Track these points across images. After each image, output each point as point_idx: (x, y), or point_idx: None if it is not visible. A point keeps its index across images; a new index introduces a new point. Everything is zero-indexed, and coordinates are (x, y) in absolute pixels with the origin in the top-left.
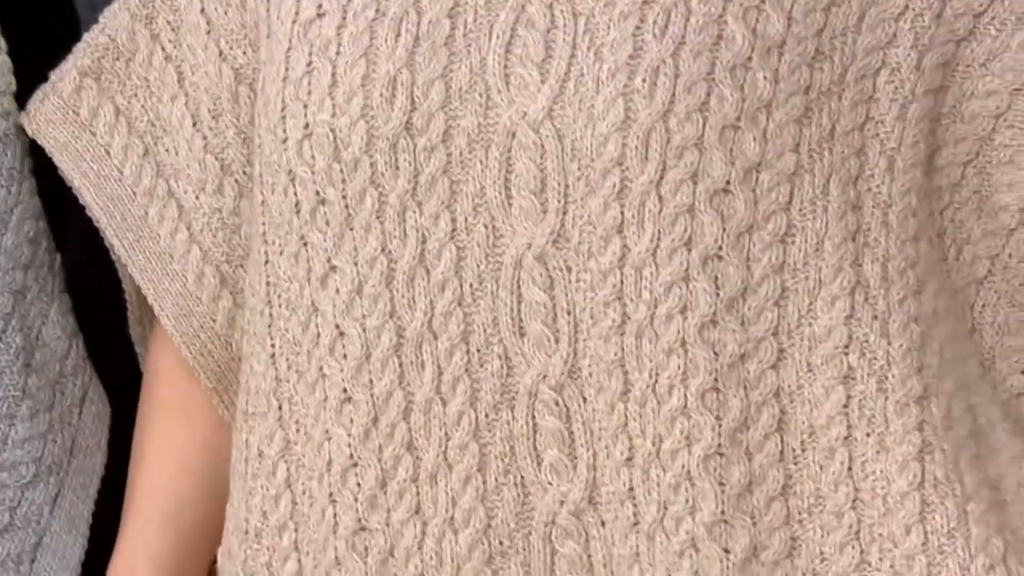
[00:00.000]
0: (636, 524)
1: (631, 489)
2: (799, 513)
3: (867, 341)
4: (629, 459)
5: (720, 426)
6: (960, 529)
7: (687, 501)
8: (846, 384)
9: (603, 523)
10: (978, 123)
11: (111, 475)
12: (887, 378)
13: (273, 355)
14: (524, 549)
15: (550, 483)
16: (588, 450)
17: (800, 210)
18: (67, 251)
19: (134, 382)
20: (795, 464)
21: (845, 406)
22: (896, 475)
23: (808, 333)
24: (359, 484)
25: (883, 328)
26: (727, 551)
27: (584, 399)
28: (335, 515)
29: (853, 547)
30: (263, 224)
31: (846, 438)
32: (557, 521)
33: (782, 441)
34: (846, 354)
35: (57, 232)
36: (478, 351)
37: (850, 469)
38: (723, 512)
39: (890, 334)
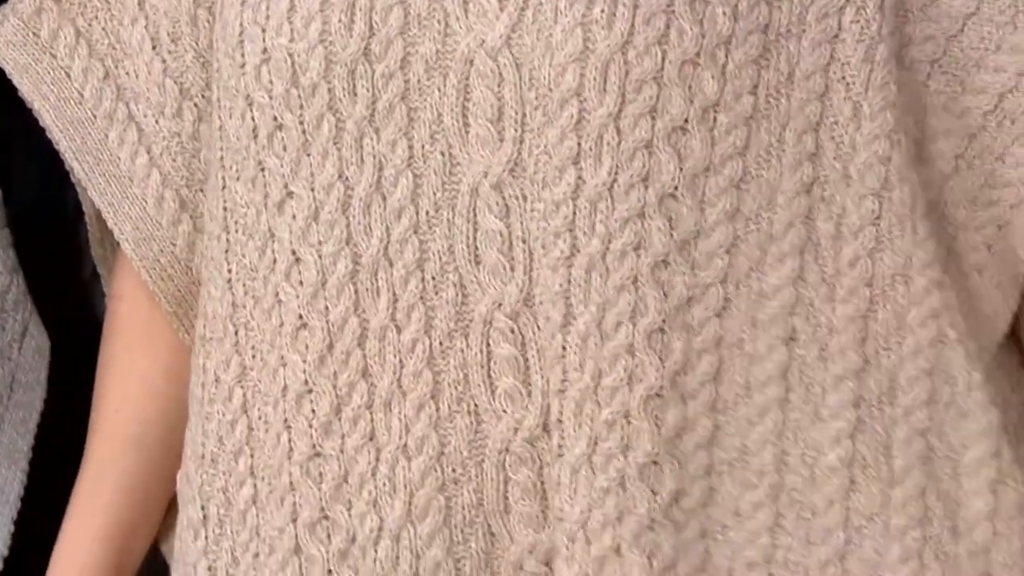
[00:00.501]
0: (560, 456)
1: (559, 421)
2: (721, 465)
3: (812, 305)
4: (561, 391)
5: (664, 368)
6: (882, 515)
7: (621, 439)
8: (788, 346)
9: (558, 451)
10: (945, 22)
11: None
12: (828, 347)
13: (230, 280)
14: (477, 476)
15: (504, 410)
16: (542, 377)
17: (756, 157)
18: (11, 185)
19: (79, 319)
20: (724, 416)
21: (785, 368)
22: (827, 449)
23: (756, 288)
24: (314, 410)
25: (830, 292)
26: (654, 492)
27: (538, 327)
28: (290, 441)
29: (770, 508)
30: (221, 149)
31: (782, 401)
32: (511, 448)
33: (716, 391)
34: (791, 315)
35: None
36: (433, 279)
37: (781, 432)
38: (656, 454)
39: (836, 299)
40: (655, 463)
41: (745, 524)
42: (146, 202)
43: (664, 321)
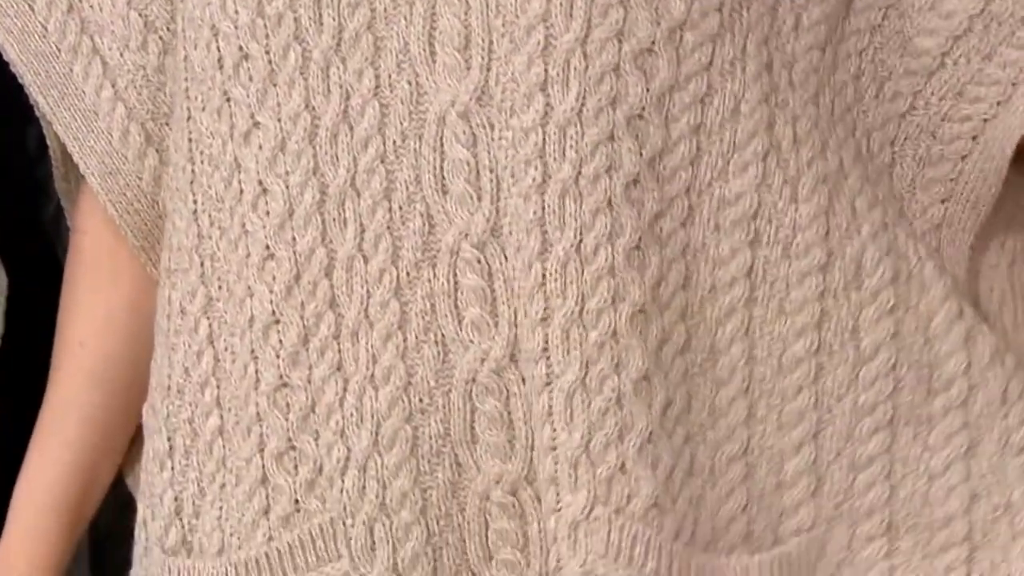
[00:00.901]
0: (549, 384)
1: (545, 349)
2: (693, 368)
3: (776, 207)
4: (545, 319)
5: (644, 284)
6: (850, 394)
7: (612, 359)
8: (752, 248)
9: (523, 380)
10: None
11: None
12: (792, 245)
13: (195, 211)
14: (444, 406)
15: (471, 341)
16: (509, 308)
17: (720, 71)
18: None
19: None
20: (693, 320)
21: (749, 269)
22: (793, 340)
23: (719, 195)
24: (281, 341)
25: (792, 193)
26: (649, 407)
27: (506, 257)
28: (257, 371)
29: (742, 402)
30: (186, 80)
31: (747, 299)
32: (477, 379)
33: (686, 298)
34: (755, 219)
35: None
36: (400, 208)
37: (747, 329)
38: (647, 368)
39: (799, 198)
40: (646, 378)
41: (720, 421)
42: (111, 136)
43: (640, 238)
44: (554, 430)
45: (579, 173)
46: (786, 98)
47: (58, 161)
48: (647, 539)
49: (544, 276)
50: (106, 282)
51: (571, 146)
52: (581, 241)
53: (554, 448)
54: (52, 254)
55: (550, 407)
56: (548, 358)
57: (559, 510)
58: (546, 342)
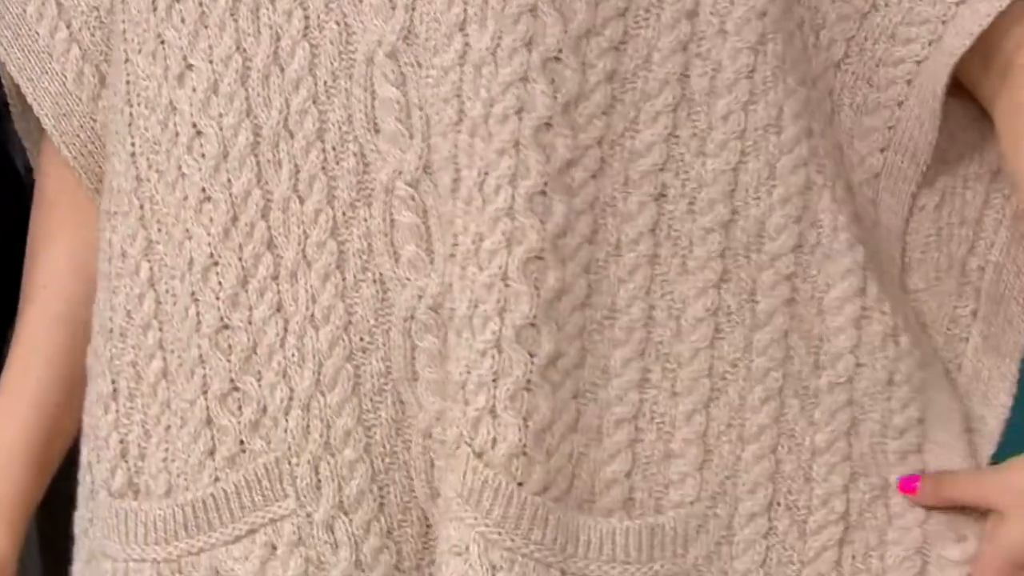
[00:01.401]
0: (452, 320)
1: (450, 286)
2: (591, 324)
3: (683, 160)
4: (452, 256)
5: (545, 230)
6: (744, 360)
7: (499, 301)
8: (658, 202)
9: (450, 315)
10: None
11: None
12: (697, 200)
13: (133, 154)
14: (384, 344)
15: (408, 278)
16: (444, 244)
17: (635, 17)
18: None
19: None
20: (596, 276)
21: (655, 225)
22: (693, 300)
23: (629, 146)
24: (220, 283)
25: (700, 146)
26: (531, 355)
27: (438, 194)
28: (198, 314)
29: (638, 364)
30: (123, 22)
31: (652, 257)
32: (416, 316)
33: (591, 252)
34: (662, 172)
35: None
36: (334, 148)
37: (649, 289)
38: (534, 316)
39: (706, 152)
40: (532, 326)
41: (613, 382)
42: (66, 77)
43: (546, 184)
44: (449, 367)
45: (489, 112)
46: (711, 48)
47: (15, 101)
48: (498, 486)
49: (453, 211)
50: (68, 223)
51: (484, 85)
52: (484, 180)
53: (447, 383)
54: (26, 207)
55: (447, 343)
56: (451, 294)
57: (443, 444)
58: (450, 278)
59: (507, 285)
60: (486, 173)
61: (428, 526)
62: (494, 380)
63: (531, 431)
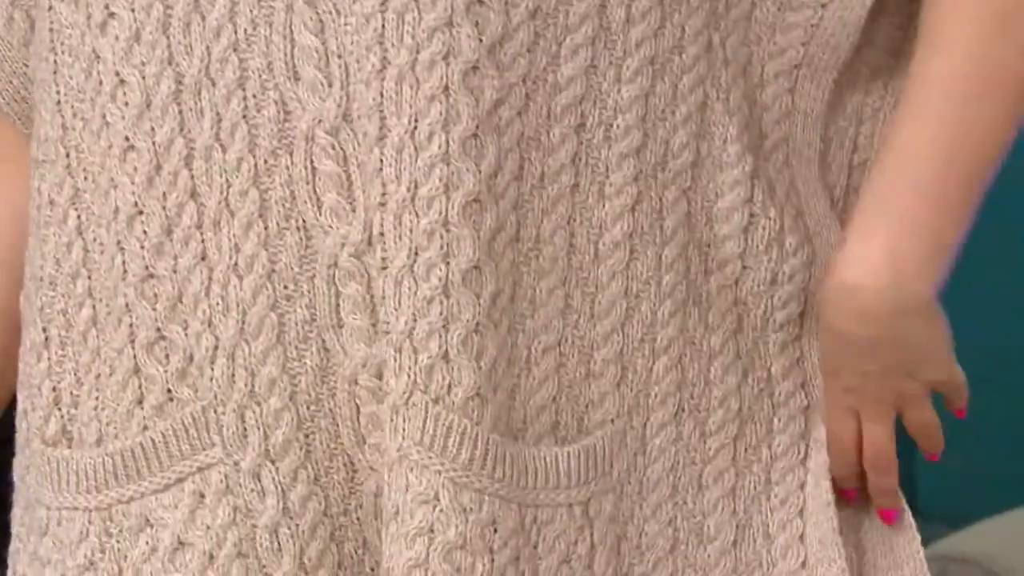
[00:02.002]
0: (384, 269)
1: (382, 234)
2: (519, 257)
3: (601, 90)
4: (382, 204)
5: (480, 174)
6: (655, 277)
7: (441, 248)
8: (579, 133)
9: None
10: None
11: None
12: (612, 127)
13: (59, 102)
14: (309, 292)
15: (331, 226)
16: (365, 192)
17: None
18: None
19: None
20: (522, 210)
21: (575, 156)
22: (610, 225)
23: (551, 81)
24: (145, 232)
25: (617, 74)
26: (477, 297)
27: (359, 143)
28: (124, 262)
29: (561, 292)
30: None
31: (573, 187)
32: (339, 263)
33: (518, 188)
34: (582, 103)
35: None
36: (255, 97)
37: (570, 218)
38: (478, 259)
39: (622, 80)
40: (476, 268)
41: (540, 311)
42: None
43: (478, 126)
44: (387, 315)
45: (416, 59)
46: None
47: None
48: (463, 429)
49: (382, 161)
50: (10, 171)
51: (408, 32)
52: (415, 128)
53: (387, 333)
54: None
55: (384, 292)
56: (384, 244)
57: (388, 395)
58: (382, 227)
59: (448, 230)
60: (416, 120)
61: (354, 472)
62: (444, 326)
63: (483, 372)
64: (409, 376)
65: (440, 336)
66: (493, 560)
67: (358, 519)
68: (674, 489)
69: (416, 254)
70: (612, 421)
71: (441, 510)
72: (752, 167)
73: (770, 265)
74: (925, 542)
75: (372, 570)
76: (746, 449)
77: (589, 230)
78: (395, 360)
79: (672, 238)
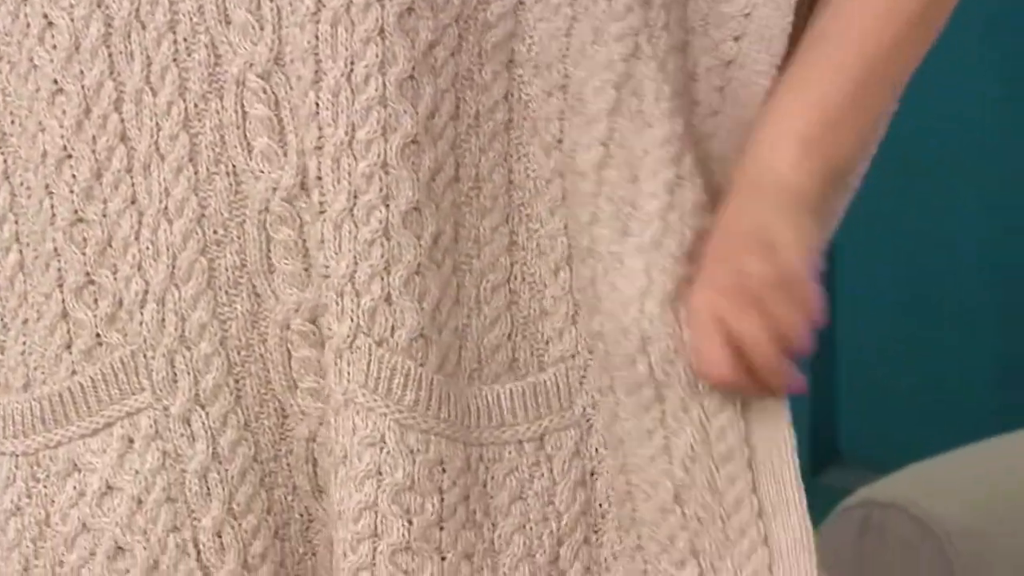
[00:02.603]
0: (323, 212)
1: (319, 178)
2: (461, 197)
3: (528, 25)
4: (319, 148)
5: (417, 114)
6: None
7: (381, 190)
8: (509, 70)
9: (319, 208)
10: None
11: None
12: (538, 64)
13: None
14: (239, 237)
15: (262, 171)
16: (297, 136)
17: None
18: None
19: None
20: (460, 149)
21: (507, 93)
22: (543, 159)
23: (482, 19)
24: (74, 175)
25: (542, 11)
26: (418, 238)
27: (291, 86)
28: (52, 206)
29: (505, 228)
30: None
31: (507, 123)
32: (270, 208)
33: (455, 128)
34: (511, 40)
35: None
36: (185, 40)
37: (507, 155)
38: (417, 200)
39: (545, 17)
40: (416, 209)
41: (485, 249)
42: None
43: (414, 68)
44: (326, 259)
45: (351, 1)
46: None
47: None
48: (407, 371)
49: (317, 105)
50: None
51: None
52: (352, 70)
53: (327, 277)
54: None
55: (323, 236)
56: (322, 187)
57: (331, 339)
58: (319, 171)
59: (387, 173)
60: (353, 63)
61: (285, 417)
62: (386, 268)
63: (426, 313)
64: (352, 320)
65: (382, 279)
66: (443, 500)
67: (288, 465)
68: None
69: (355, 197)
70: (573, 356)
71: (388, 452)
72: (683, 130)
73: (694, 229)
74: (849, 488)
75: (301, 516)
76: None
77: (527, 166)
78: (337, 304)
79: (584, 177)
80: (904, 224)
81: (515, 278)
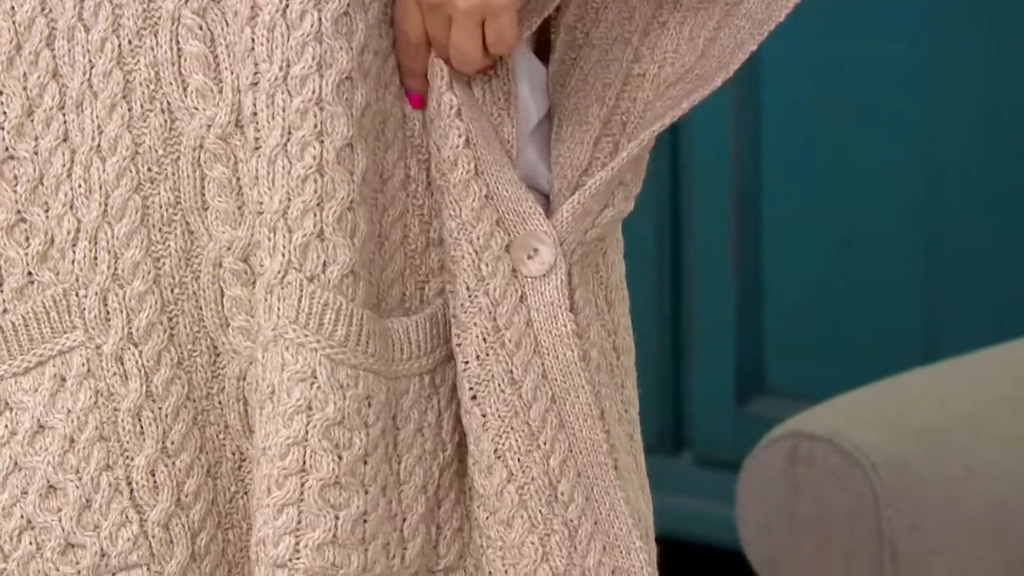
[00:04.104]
0: (257, 148)
1: (254, 114)
2: (374, 131)
3: None
4: (254, 84)
5: (352, 49)
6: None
7: (315, 126)
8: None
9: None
10: None
11: None
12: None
13: None
14: (173, 174)
15: (196, 108)
16: (232, 73)
17: None
18: None
19: None
20: (378, 82)
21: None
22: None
23: None
24: (5, 112)
25: None
26: (351, 173)
27: (227, 23)
28: None
29: (401, 163)
30: None
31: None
32: (205, 145)
33: (379, 64)
34: None
35: None
36: None
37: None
38: (351, 136)
39: None
40: (350, 146)
41: (388, 184)
42: None
43: (348, 5)
44: (260, 195)
45: None
46: None
47: None
48: (338, 306)
49: (253, 41)
50: None
51: None
52: (287, 5)
53: (261, 212)
54: None
55: (256, 172)
56: (256, 123)
57: (262, 275)
58: (255, 107)
59: (322, 109)
60: None
61: (217, 355)
62: (319, 204)
63: (356, 248)
64: (284, 255)
65: (315, 215)
66: (368, 434)
67: (220, 403)
68: None
69: (289, 133)
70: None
71: (319, 387)
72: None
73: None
74: (776, 418)
75: (233, 454)
76: None
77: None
78: (269, 240)
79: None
80: (830, 158)
81: (408, 212)
